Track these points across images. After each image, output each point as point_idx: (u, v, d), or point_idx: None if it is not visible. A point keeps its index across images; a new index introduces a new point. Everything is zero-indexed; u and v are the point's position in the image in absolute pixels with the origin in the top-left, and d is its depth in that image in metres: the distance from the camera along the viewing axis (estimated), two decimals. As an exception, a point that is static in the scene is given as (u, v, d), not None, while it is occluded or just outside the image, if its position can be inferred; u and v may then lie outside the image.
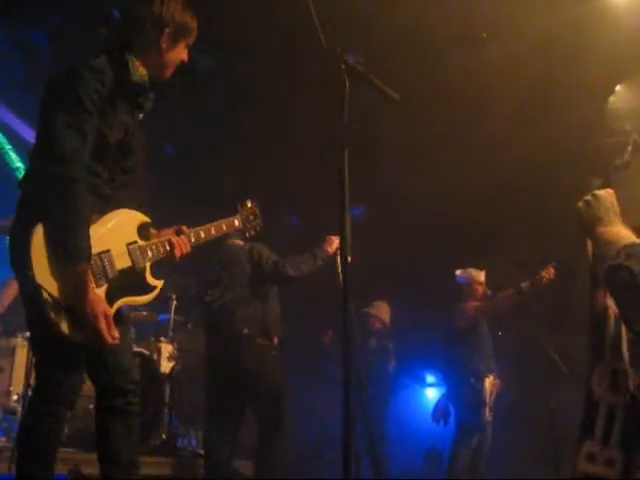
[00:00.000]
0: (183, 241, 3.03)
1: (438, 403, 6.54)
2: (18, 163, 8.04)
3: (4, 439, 5.01)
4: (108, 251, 2.76)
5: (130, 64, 2.90)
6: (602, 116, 7.11)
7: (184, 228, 3.10)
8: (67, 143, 2.62)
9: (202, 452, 5.91)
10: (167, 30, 2.96)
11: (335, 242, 4.85)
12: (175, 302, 6.31)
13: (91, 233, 2.66)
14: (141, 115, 3.03)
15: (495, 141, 7.30)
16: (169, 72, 3.06)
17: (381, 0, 6.17)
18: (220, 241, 5.03)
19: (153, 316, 6.33)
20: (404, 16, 6.31)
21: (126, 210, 2.90)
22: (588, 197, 2.42)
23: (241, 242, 5.15)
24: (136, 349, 5.79)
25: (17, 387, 5.22)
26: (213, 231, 3.23)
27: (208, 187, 8.54)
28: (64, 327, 2.59)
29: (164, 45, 2.97)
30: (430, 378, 10.17)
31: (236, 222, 3.44)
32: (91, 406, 5.23)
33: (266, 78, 7.22)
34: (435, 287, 7.69)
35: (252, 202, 3.56)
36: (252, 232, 3.61)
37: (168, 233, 3.04)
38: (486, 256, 7.01)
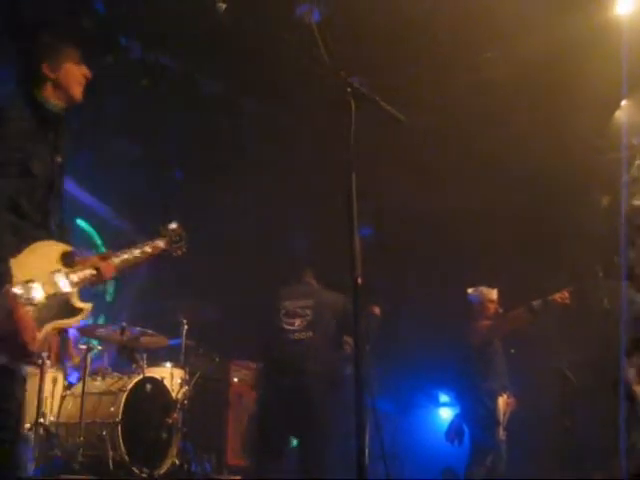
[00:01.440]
0: (108, 265, 3.22)
1: (452, 423, 6.51)
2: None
3: (17, 468, 4.99)
4: (32, 280, 2.86)
5: (39, 96, 3.18)
6: (608, 131, 7.11)
7: (109, 253, 3.32)
8: None
9: (216, 477, 5.90)
10: (45, 63, 3.22)
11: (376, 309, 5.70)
12: (186, 327, 6.30)
13: (13, 264, 2.78)
14: (60, 158, 3.21)
15: (502, 157, 7.30)
16: (77, 92, 3.30)
17: (385, 22, 6.20)
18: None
19: (164, 341, 6.33)
20: (408, 33, 6.34)
21: (46, 242, 3.03)
22: None
23: (315, 282, 5.71)
24: (148, 374, 5.80)
25: (29, 415, 5.20)
26: (138, 253, 3.43)
27: (212, 209, 8.57)
28: None
29: (50, 74, 3.22)
30: (444, 397, 10.12)
31: (161, 244, 3.62)
32: (104, 433, 5.25)
33: (272, 100, 7.27)
34: (447, 306, 7.67)
35: (177, 224, 3.76)
36: (178, 252, 3.78)
37: (93, 259, 3.22)
38: (497, 274, 6.98)
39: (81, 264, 3.14)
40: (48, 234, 3.07)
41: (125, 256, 3.34)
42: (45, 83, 3.20)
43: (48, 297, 2.91)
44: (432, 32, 6.31)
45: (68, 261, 3.07)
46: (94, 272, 3.14)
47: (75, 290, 3.04)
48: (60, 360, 6.16)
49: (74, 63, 3.30)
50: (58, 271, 2.99)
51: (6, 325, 2.68)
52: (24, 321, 2.73)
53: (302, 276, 5.72)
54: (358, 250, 2.60)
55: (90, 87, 3.36)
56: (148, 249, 3.51)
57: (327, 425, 5.17)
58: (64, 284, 2.99)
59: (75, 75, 3.28)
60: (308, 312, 5.31)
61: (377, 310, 5.78)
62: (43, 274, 2.93)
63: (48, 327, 2.90)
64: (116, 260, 3.28)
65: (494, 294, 6.41)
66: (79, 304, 3.06)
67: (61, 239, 3.14)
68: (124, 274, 3.42)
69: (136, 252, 3.42)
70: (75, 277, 3.05)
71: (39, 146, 3.06)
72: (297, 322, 5.28)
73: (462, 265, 8.09)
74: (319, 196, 7.86)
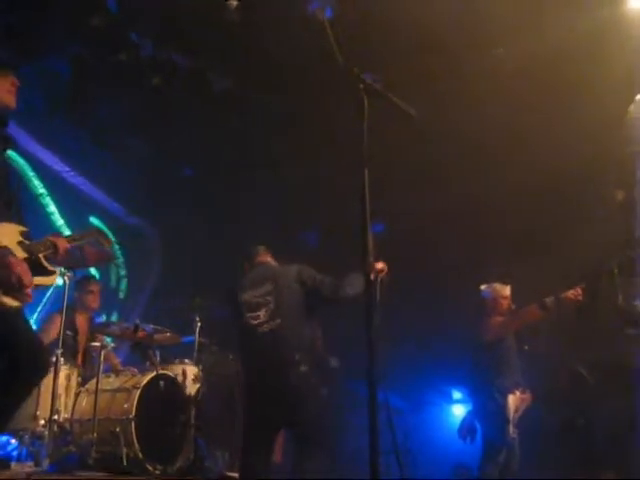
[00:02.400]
0: (61, 239, 3.77)
1: (464, 420, 6.50)
2: (41, 189, 8.14)
3: (32, 464, 5.02)
4: (6, 247, 3.44)
5: None
6: (622, 126, 7.07)
7: (58, 233, 4.04)
8: None
9: (229, 473, 5.91)
10: None
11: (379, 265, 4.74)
12: (199, 324, 6.32)
13: None
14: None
15: (514, 154, 7.28)
16: (8, 100, 3.72)
17: (394, 19, 6.19)
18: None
19: (177, 338, 6.35)
20: (417, 29, 6.34)
21: (6, 223, 3.59)
22: None
23: (273, 261, 5.21)
24: (161, 371, 5.82)
25: (44, 412, 5.24)
26: (77, 236, 4.05)
27: (225, 206, 8.59)
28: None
29: None
30: (457, 394, 10.12)
31: (93, 231, 4.29)
32: (118, 429, 5.27)
33: (284, 98, 7.27)
34: (460, 302, 7.65)
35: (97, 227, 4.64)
36: (106, 244, 4.30)
37: (48, 237, 3.76)
38: (510, 271, 6.97)
39: (39, 241, 3.71)
40: (8, 217, 3.60)
41: (72, 236, 4.00)
42: None
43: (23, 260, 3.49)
44: (442, 28, 6.29)
45: (27, 237, 3.64)
46: (49, 244, 3.67)
47: (42, 256, 3.61)
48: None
49: (1, 76, 3.70)
50: (22, 242, 3.56)
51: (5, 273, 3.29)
52: (21, 266, 3.36)
53: (255, 258, 5.21)
54: (371, 246, 2.59)
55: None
56: (83, 232, 4.16)
57: (318, 415, 4.72)
58: (32, 251, 3.56)
59: (4, 86, 3.69)
60: (269, 299, 4.84)
61: (381, 266, 4.87)
62: (11, 244, 3.48)
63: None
64: (67, 237, 3.88)
65: (507, 290, 6.40)
66: (49, 267, 3.65)
67: (20, 223, 3.67)
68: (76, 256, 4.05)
69: (76, 236, 4.03)
70: (37, 247, 3.61)
71: None
72: (262, 314, 4.82)
73: (475, 262, 8.07)
74: (332, 192, 7.86)
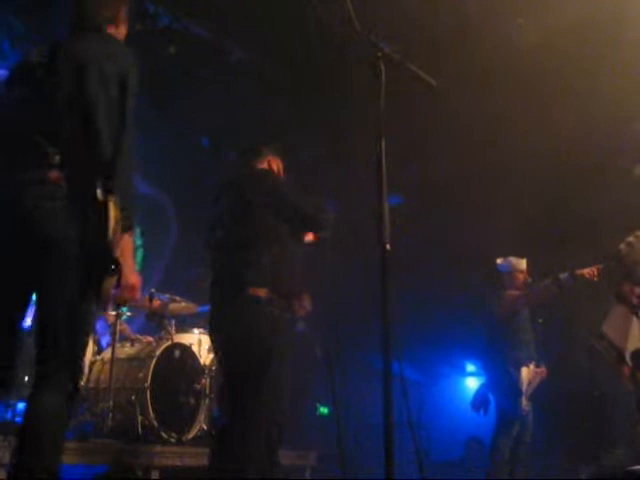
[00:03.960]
0: None
1: (477, 392, 6.51)
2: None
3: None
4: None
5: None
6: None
7: None
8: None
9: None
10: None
11: None
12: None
13: None
14: None
15: (534, 125, 7.20)
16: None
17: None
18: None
19: (193, 307, 6.38)
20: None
21: None
22: (631, 239, 2.39)
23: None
24: (176, 341, 5.85)
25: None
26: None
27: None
28: None
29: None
30: (470, 367, 10.13)
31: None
32: (133, 398, 5.32)
33: (300, 67, 7.22)
34: (476, 275, 7.62)
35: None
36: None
37: None
38: (527, 245, 6.93)
39: None
40: None
41: None
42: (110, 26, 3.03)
43: None
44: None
45: None
46: None
47: None
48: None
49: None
50: None
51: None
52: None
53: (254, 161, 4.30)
54: (387, 217, 2.56)
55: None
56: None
57: (262, 356, 3.70)
58: None
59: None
60: (225, 202, 4.06)
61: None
62: None
63: None
64: None
65: (523, 264, 6.38)
66: None
67: None
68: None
69: None
70: None
71: None
72: (219, 232, 4.04)
73: (490, 235, 8.02)
74: (349, 163, 7.82)
